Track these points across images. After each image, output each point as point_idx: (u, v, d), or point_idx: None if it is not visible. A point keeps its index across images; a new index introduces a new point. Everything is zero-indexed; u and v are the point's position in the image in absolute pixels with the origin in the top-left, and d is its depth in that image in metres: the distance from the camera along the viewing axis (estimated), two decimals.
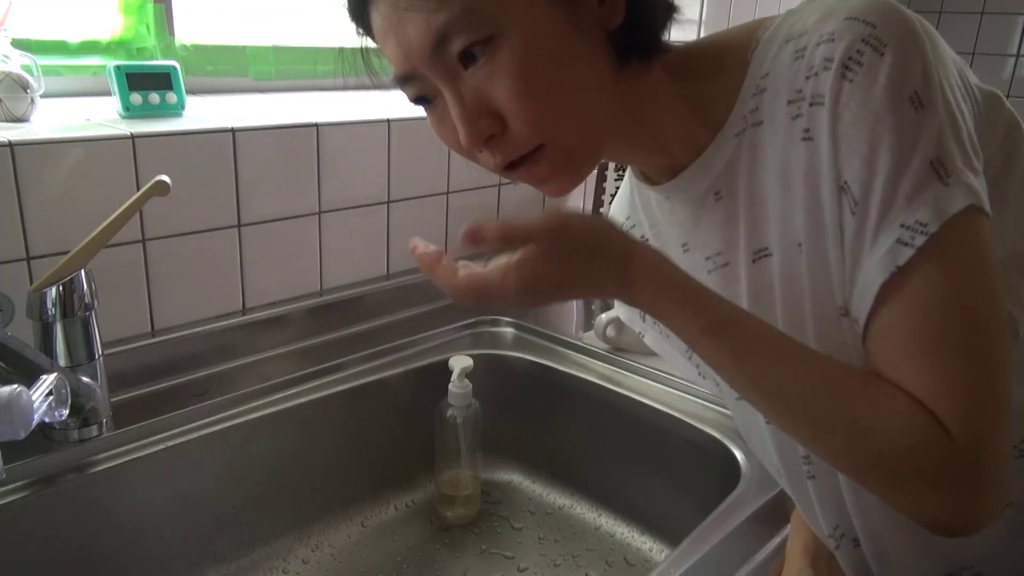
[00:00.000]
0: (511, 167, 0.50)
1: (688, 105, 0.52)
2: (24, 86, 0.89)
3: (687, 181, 0.54)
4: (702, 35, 0.64)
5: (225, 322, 0.99)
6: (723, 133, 0.51)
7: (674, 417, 0.94)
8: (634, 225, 0.65)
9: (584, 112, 0.48)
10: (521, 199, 1.35)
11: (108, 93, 0.98)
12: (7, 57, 0.90)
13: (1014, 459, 0.51)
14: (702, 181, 0.53)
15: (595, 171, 1.43)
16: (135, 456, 0.81)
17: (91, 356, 0.79)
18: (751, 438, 0.66)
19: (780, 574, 0.66)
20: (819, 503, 0.59)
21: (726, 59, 0.51)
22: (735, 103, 0.50)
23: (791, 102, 0.47)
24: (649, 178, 0.59)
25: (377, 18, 0.48)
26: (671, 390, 0.98)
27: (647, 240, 0.64)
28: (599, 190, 1.39)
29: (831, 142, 0.44)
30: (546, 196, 0.53)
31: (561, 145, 0.49)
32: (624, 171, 0.68)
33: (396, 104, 1.22)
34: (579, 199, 1.48)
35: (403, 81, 0.49)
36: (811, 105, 0.45)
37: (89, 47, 1.09)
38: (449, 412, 0.98)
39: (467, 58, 0.46)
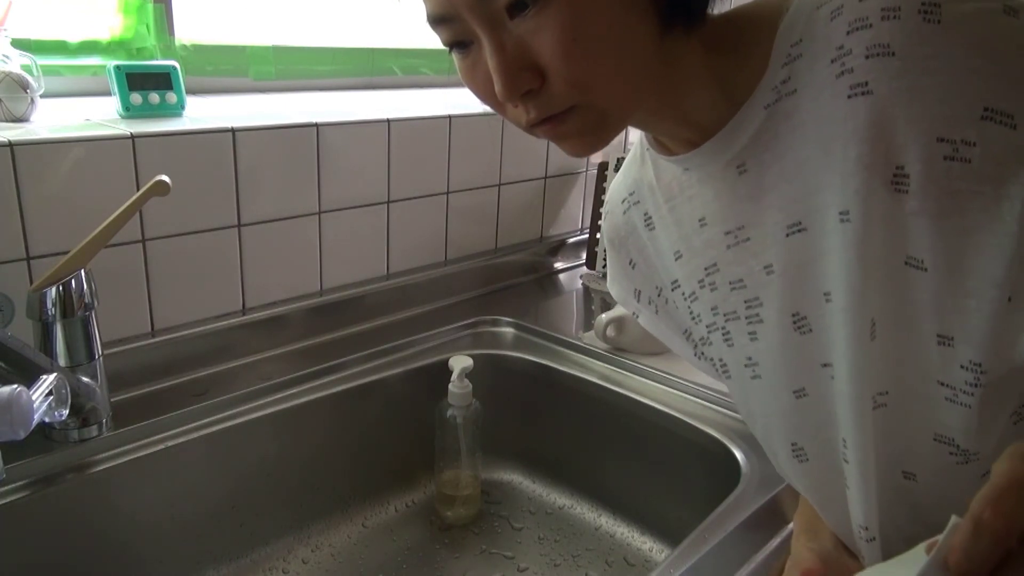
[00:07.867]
0: (539, 123, 0.48)
1: (716, 78, 0.51)
2: (24, 86, 0.89)
3: (709, 152, 0.53)
4: None
5: (225, 322, 0.99)
6: (750, 104, 0.50)
7: (674, 417, 0.94)
8: (637, 201, 0.64)
9: (624, 78, 0.48)
10: (522, 200, 1.35)
11: (108, 93, 0.98)
12: (7, 57, 0.90)
13: (1013, 424, 0.49)
14: (724, 153, 0.52)
15: (595, 172, 1.43)
16: (135, 456, 0.81)
17: (91, 356, 0.79)
18: (767, 425, 0.62)
19: (782, 574, 0.66)
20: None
21: (755, 30, 0.50)
22: (764, 74, 0.49)
23: (834, 60, 0.45)
24: (667, 148, 0.57)
25: None
26: (671, 390, 0.98)
27: (650, 219, 0.62)
28: (599, 190, 1.39)
29: (920, 86, 0.42)
30: (566, 153, 0.52)
31: (595, 107, 0.48)
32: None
33: (396, 104, 1.23)
34: (579, 198, 1.48)
35: (437, 22, 0.48)
36: (868, 57, 0.44)
37: (89, 47, 1.09)
38: (449, 412, 0.98)
39: (515, 7, 0.45)
